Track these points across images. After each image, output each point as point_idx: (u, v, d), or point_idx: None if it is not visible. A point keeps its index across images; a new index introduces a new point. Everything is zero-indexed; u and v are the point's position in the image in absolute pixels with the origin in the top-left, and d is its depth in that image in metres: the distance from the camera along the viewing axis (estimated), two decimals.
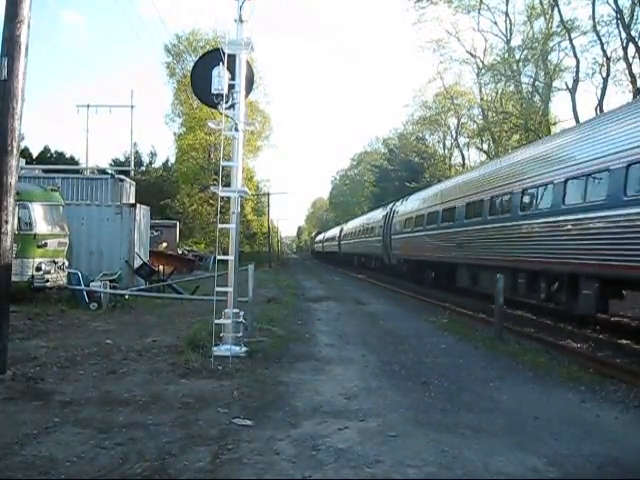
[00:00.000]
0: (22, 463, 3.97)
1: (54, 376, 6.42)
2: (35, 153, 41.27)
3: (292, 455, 4.24)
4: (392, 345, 9.06)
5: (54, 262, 13.33)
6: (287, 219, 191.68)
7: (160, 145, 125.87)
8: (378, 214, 31.17)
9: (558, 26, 30.81)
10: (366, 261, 35.66)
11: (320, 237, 74.03)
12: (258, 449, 4.34)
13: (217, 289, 7.89)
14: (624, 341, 9.98)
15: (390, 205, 28.41)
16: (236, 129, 8.33)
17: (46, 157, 41.01)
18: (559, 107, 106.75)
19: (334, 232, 56.02)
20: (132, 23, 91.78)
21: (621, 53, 26.69)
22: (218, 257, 8.81)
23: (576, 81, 29.68)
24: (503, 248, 13.70)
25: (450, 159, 50.08)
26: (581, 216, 10.18)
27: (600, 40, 27.07)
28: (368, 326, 11.38)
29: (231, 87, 8.16)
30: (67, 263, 14.00)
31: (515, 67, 34.43)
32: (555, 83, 33.02)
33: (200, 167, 46.40)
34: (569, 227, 10.59)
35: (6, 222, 6.23)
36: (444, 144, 51.85)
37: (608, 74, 27.66)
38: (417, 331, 10.80)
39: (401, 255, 24.27)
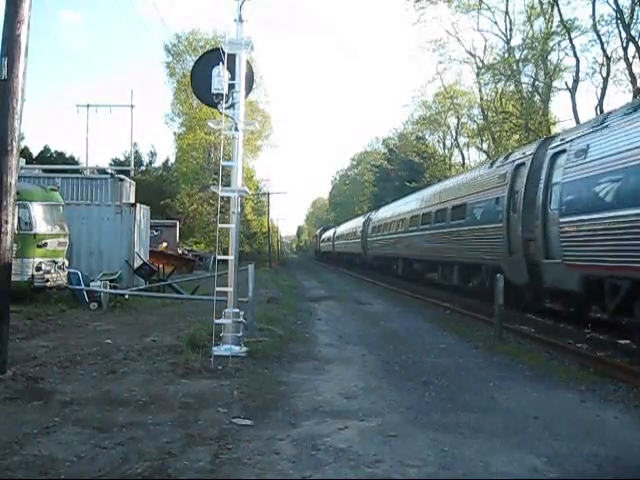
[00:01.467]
0: (22, 463, 3.97)
1: (54, 376, 6.42)
2: (35, 153, 41.34)
3: (292, 455, 4.24)
4: (392, 345, 9.06)
5: (54, 262, 13.32)
6: (287, 219, 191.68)
7: (160, 145, 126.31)
8: (492, 172, 14.65)
9: (558, 26, 30.80)
10: (429, 272, 21.34)
11: (328, 234, 59.34)
12: (258, 449, 4.33)
13: (217, 289, 7.89)
14: (624, 341, 9.98)
15: (567, 138, 10.74)
16: (236, 129, 8.33)
17: (46, 157, 41.05)
18: (559, 107, 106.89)
19: (353, 225, 41.22)
20: (132, 23, 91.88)
21: (621, 53, 26.70)
22: (218, 257, 8.81)
23: (576, 81, 29.68)
24: None
25: (450, 159, 50.08)
26: None
27: (600, 40, 27.08)
28: (368, 326, 11.38)
29: (231, 87, 8.16)
30: (67, 263, 13.99)
31: (515, 67, 34.39)
32: (555, 83, 33.03)
33: (200, 167, 46.46)
34: None
35: (6, 222, 6.23)
36: (444, 144, 51.87)
37: (608, 74, 27.66)
38: (417, 331, 10.80)
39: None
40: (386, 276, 26.97)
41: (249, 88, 9.23)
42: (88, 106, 20.60)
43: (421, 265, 21.93)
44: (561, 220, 10.28)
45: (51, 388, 5.94)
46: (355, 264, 38.95)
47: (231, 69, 8.18)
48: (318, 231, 76.38)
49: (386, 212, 29.47)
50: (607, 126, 9.57)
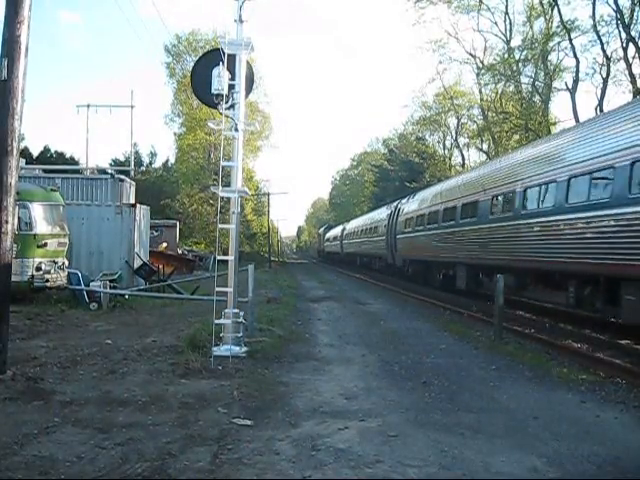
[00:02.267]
0: (22, 463, 3.97)
1: (54, 376, 6.42)
2: (35, 153, 41.31)
3: (292, 455, 4.24)
4: (392, 345, 9.06)
5: (54, 262, 13.33)
6: (287, 219, 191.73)
7: (160, 145, 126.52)
8: None
9: (558, 26, 30.86)
10: None
11: (335, 232, 52.00)
12: (258, 449, 4.33)
13: (217, 289, 7.89)
14: (624, 341, 9.98)
15: None
16: (236, 129, 8.33)
17: (46, 157, 41.01)
18: (559, 108, 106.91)
19: (373, 219, 32.30)
20: (132, 23, 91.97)
21: (621, 53, 26.76)
22: (218, 257, 8.81)
23: (576, 81, 29.73)
24: None
25: (450, 159, 50.11)
26: None
27: (600, 40, 27.13)
28: (368, 326, 11.38)
29: (231, 87, 8.16)
30: (67, 263, 14.00)
31: (515, 67, 34.47)
32: (555, 83, 33.11)
33: (200, 167, 46.55)
34: None
35: (6, 222, 6.24)
36: (444, 144, 51.97)
37: (608, 74, 27.70)
38: (417, 331, 10.79)
39: None
40: (429, 290, 18.88)
41: (249, 88, 9.23)
42: (88, 106, 20.60)
43: (514, 277, 13.42)
44: None
45: (51, 388, 5.94)
46: (374, 269, 30.94)
47: (231, 69, 8.17)
48: (322, 229, 68.87)
49: (431, 197, 20.06)
50: None
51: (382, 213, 29.78)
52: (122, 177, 18.81)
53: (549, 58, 33.16)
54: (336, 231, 51.59)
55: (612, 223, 9.44)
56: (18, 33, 6.24)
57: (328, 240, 57.29)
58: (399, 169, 50.73)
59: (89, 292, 13.03)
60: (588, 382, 6.77)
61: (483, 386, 6.51)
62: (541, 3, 33.05)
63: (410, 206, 23.24)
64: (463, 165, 45.59)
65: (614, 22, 26.35)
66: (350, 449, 4.37)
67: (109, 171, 19.13)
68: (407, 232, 22.70)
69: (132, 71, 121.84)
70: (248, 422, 4.97)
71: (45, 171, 19.22)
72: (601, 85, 28.30)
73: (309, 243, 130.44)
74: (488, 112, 38.78)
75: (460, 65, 40.36)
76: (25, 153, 33.01)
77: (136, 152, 47.24)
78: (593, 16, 27.37)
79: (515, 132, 35.52)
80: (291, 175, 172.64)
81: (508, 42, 36.31)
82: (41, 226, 13.17)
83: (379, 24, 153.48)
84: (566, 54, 31.49)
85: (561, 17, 30.05)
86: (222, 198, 8.70)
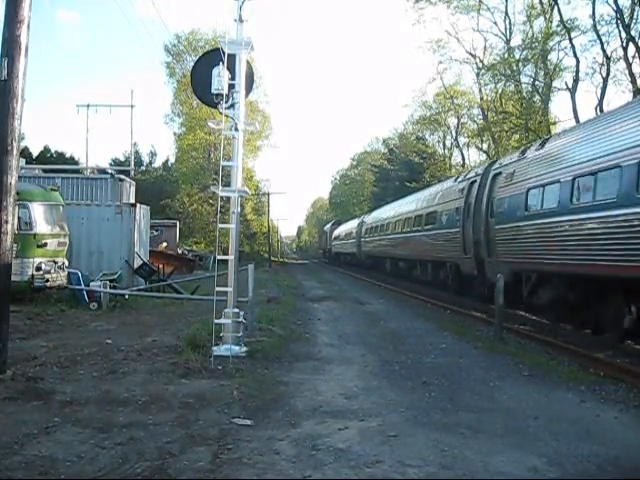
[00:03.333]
0: (22, 463, 3.97)
1: (54, 376, 6.42)
2: (35, 153, 41.31)
3: (292, 455, 4.24)
4: (392, 345, 9.06)
5: (54, 262, 13.33)
6: (287, 219, 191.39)
7: (160, 145, 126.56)
8: None
9: (558, 26, 30.79)
10: None
11: (347, 227, 43.20)
12: (258, 449, 4.33)
13: (217, 289, 7.89)
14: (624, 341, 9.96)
15: None
16: (236, 129, 8.32)
17: (46, 157, 41.01)
18: (559, 107, 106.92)
19: (424, 202, 20.73)
20: (132, 23, 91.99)
21: (621, 53, 26.72)
22: (218, 257, 8.82)
23: (576, 81, 29.69)
24: None
25: (450, 159, 50.08)
26: None
27: (600, 40, 27.08)
28: (368, 326, 11.38)
29: (231, 87, 8.17)
30: (67, 263, 14.00)
31: (515, 67, 34.42)
32: (555, 83, 33.05)
33: (200, 167, 46.55)
34: None
35: (6, 222, 6.24)
36: (444, 144, 51.87)
37: (608, 74, 27.66)
38: (417, 331, 10.79)
39: None
40: None
41: (249, 88, 9.23)
42: (88, 106, 20.65)
43: None
44: None
45: (51, 388, 5.94)
46: (426, 282, 20.31)
47: (231, 69, 8.18)
48: (328, 226, 58.70)
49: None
50: None
51: (446, 191, 18.16)
52: (122, 177, 18.83)
53: (549, 58, 33.11)
54: (349, 227, 41.89)
55: None
56: (18, 33, 6.24)
57: (337, 238, 47.53)
58: (399, 169, 50.72)
59: (89, 292, 13.02)
60: (588, 382, 6.77)
61: (483, 386, 6.51)
62: (541, 2, 33.01)
63: (532, 168, 11.87)
64: (463, 165, 45.53)
65: (614, 22, 26.34)
66: (350, 449, 4.37)
67: (109, 171, 19.15)
68: (542, 217, 11.02)
69: (132, 71, 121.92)
70: (248, 422, 4.97)
71: (45, 171, 19.24)
72: (601, 85, 28.28)
73: (309, 243, 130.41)
74: (488, 112, 38.74)
75: (460, 65, 40.24)
76: (25, 153, 33.00)
77: (136, 152, 47.31)
78: (593, 16, 27.36)
79: (515, 132, 35.50)
80: (291, 175, 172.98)
81: (508, 42, 36.30)
82: (41, 226, 13.17)
83: (379, 24, 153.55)
84: (566, 54, 31.48)
85: (561, 16, 30.04)
86: (222, 198, 8.71)
